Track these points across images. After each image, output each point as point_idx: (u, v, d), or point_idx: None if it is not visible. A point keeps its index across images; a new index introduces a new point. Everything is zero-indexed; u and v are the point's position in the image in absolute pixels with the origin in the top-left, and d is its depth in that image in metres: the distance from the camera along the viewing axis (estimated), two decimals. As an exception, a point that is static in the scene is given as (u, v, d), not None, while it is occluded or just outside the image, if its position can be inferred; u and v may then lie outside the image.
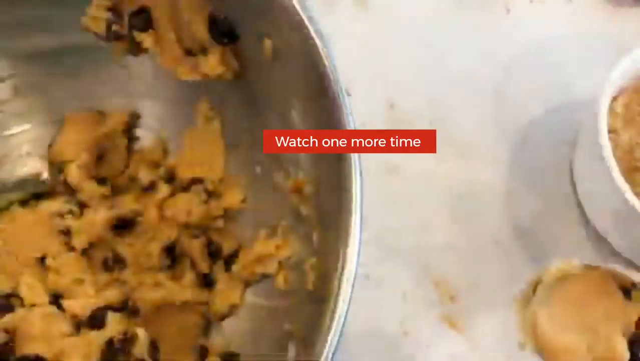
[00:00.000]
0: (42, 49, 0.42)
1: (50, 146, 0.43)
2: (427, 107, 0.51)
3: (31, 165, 0.44)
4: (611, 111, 0.45)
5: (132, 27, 0.38)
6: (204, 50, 0.38)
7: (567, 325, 0.26)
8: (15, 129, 0.44)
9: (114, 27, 0.38)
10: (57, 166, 0.43)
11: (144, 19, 0.38)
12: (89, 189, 0.42)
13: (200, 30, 0.37)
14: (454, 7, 0.55)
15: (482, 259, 0.46)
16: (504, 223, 0.47)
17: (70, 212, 0.41)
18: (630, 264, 0.46)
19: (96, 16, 0.38)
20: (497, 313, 0.44)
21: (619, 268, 0.27)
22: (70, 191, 0.42)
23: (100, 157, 0.43)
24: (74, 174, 0.41)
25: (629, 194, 0.40)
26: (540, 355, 0.30)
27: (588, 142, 0.46)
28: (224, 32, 0.36)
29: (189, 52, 0.39)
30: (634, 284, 0.27)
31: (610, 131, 0.44)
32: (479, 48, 0.54)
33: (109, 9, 0.38)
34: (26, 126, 0.44)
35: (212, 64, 0.37)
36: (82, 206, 0.42)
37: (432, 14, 0.55)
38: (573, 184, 0.49)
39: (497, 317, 0.44)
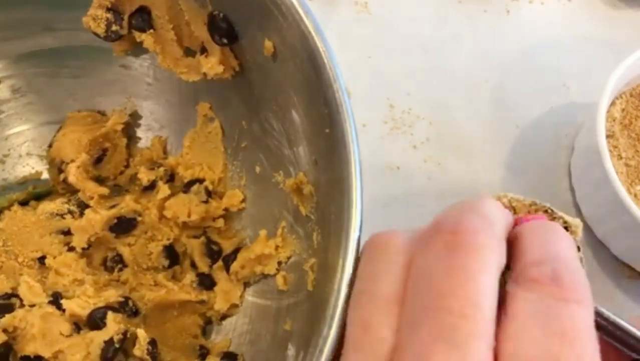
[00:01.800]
0: (42, 49, 0.42)
1: (50, 146, 0.43)
2: (427, 107, 0.51)
3: (31, 165, 0.44)
4: (609, 115, 0.45)
5: (132, 27, 0.38)
6: (203, 50, 0.38)
7: None
8: (15, 129, 0.44)
9: (114, 27, 0.38)
10: (56, 166, 0.43)
11: (143, 19, 0.38)
12: (89, 189, 0.42)
13: (200, 30, 0.37)
14: (454, 8, 0.55)
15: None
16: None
17: (70, 212, 0.41)
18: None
19: (96, 16, 0.37)
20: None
21: (556, 210, 0.28)
22: (70, 191, 0.42)
23: (100, 157, 0.43)
24: (73, 174, 0.41)
25: (628, 201, 0.40)
26: None
27: (586, 148, 0.46)
28: (223, 33, 0.36)
29: (188, 52, 0.39)
30: (566, 227, 0.28)
31: (608, 136, 0.44)
32: (479, 49, 0.54)
33: (109, 9, 0.37)
34: (26, 126, 0.44)
35: (212, 64, 0.37)
36: (82, 206, 0.42)
37: (432, 14, 0.55)
38: (572, 189, 0.49)
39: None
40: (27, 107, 0.44)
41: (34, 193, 0.43)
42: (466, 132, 0.50)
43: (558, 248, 0.25)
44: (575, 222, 0.28)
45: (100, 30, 0.38)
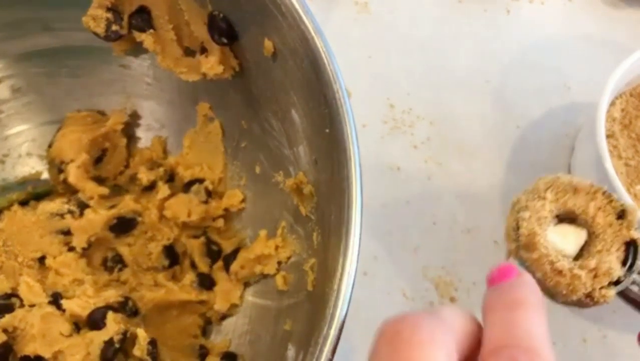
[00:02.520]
0: (42, 49, 0.42)
1: (49, 146, 0.43)
2: (427, 107, 0.51)
3: (31, 165, 0.44)
4: (609, 115, 0.45)
5: (131, 26, 0.38)
6: (203, 50, 0.38)
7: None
8: (15, 129, 0.44)
9: (114, 27, 0.38)
10: (56, 166, 0.43)
11: (143, 19, 0.38)
12: (89, 189, 0.42)
13: (199, 30, 0.37)
14: (454, 7, 0.55)
15: (482, 260, 0.46)
16: (503, 223, 0.47)
17: (70, 212, 0.41)
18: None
19: (96, 15, 0.37)
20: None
21: (613, 193, 0.28)
22: (70, 191, 0.42)
23: (100, 157, 0.43)
24: (73, 174, 0.41)
25: (629, 202, 0.40)
26: (521, 259, 0.30)
27: (586, 148, 0.46)
28: (223, 32, 0.36)
29: (188, 52, 0.39)
30: (623, 211, 0.28)
31: (608, 136, 0.44)
32: (479, 48, 0.54)
33: (109, 9, 0.37)
34: (25, 126, 0.44)
35: (212, 64, 0.37)
36: (82, 206, 0.41)
37: (433, 14, 0.55)
38: (572, 187, 0.49)
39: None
40: (26, 107, 0.44)
41: (33, 193, 0.43)
42: (467, 132, 0.50)
43: (517, 329, 0.23)
44: (633, 206, 0.29)
45: (100, 30, 0.38)
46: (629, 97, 0.46)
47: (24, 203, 0.42)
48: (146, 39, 0.38)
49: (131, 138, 0.45)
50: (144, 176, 0.43)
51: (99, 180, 0.43)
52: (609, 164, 0.41)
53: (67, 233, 0.41)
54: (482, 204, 0.48)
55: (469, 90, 0.52)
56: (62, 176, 0.42)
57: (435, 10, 0.55)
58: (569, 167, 0.49)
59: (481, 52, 0.53)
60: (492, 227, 0.47)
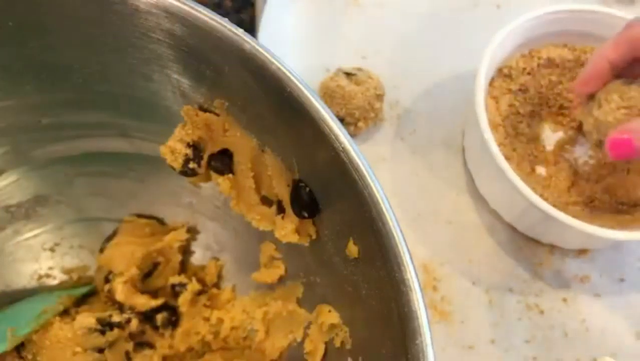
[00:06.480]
0: (114, 151, 0.39)
1: (101, 250, 0.41)
2: (415, 101, 0.50)
3: (81, 257, 0.42)
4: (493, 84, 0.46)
5: (210, 167, 0.35)
6: (280, 206, 0.34)
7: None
8: (71, 221, 0.42)
9: (192, 165, 0.34)
10: (104, 274, 0.40)
11: (224, 163, 0.34)
12: (141, 304, 0.39)
13: (280, 188, 0.33)
14: (445, 1, 0.54)
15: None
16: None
17: (110, 325, 0.39)
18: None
19: (175, 149, 0.34)
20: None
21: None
22: (113, 299, 0.40)
23: (150, 271, 0.41)
24: (120, 291, 0.39)
25: (512, 175, 0.40)
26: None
27: (473, 128, 0.46)
28: (305, 206, 0.32)
29: (265, 201, 0.36)
30: None
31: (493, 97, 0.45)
32: (469, 43, 0.50)
33: (190, 145, 0.34)
34: (83, 219, 0.42)
35: (287, 231, 0.33)
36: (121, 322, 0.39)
37: (423, 8, 0.54)
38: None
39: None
40: (88, 200, 0.41)
41: (77, 294, 0.40)
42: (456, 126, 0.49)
43: None
44: None
45: (177, 164, 0.34)
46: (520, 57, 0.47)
47: (64, 313, 0.39)
48: (223, 182, 0.35)
49: (185, 251, 0.42)
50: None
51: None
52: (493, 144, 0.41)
53: (101, 350, 0.38)
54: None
55: (458, 84, 0.51)
56: (107, 287, 0.40)
57: (426, 3, 0.54)
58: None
59: (471, 47, 0.48)
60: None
